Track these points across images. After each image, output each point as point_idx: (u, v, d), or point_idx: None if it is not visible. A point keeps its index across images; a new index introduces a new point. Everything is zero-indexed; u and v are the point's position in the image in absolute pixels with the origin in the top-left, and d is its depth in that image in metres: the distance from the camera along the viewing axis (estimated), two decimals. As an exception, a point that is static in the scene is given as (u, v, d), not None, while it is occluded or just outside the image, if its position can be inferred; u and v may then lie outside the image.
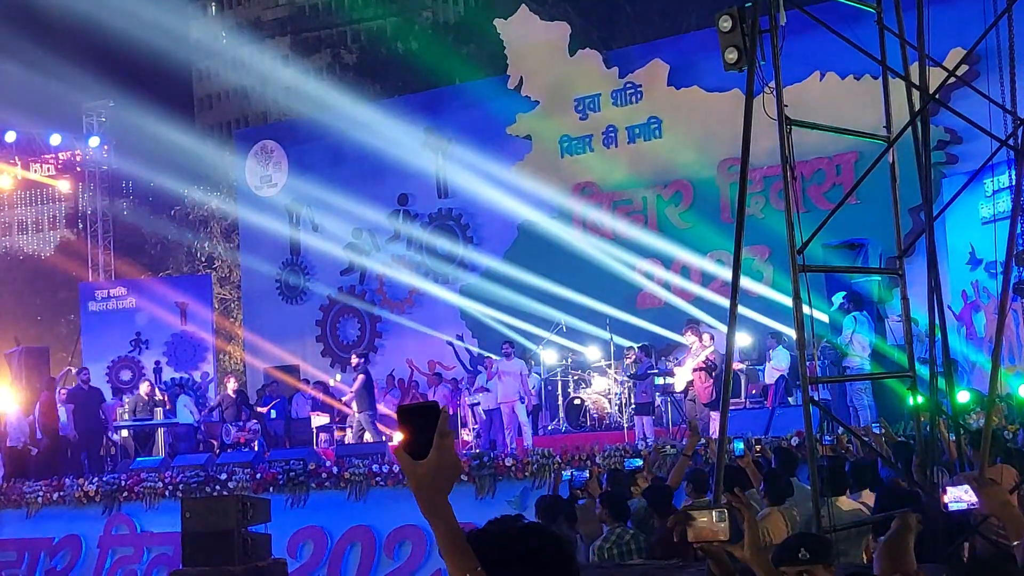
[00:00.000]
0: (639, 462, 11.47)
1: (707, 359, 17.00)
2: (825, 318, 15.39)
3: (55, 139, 29.33)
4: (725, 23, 8.97)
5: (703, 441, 14.27)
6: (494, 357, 20.32)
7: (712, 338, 17.82)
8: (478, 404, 20.23)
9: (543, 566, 3.07)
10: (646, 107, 23.01)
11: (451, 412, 21.23)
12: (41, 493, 17.76)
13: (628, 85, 23.19)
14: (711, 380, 16.75)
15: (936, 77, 10.04)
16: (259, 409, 21.77)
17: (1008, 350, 14.86)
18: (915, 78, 9.49)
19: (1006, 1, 10.14)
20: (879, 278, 16.04)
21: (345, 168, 25.57)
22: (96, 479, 17.72)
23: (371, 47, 24.57)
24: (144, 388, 20.91)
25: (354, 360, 21.33)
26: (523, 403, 19.18)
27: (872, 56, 9.36)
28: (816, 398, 10.04)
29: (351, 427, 20.36)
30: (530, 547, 3.07)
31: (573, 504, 10.06)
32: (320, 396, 22.57)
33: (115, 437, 21.18)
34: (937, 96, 9.67)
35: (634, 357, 18.72)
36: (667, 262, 22.33)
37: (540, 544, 3.09)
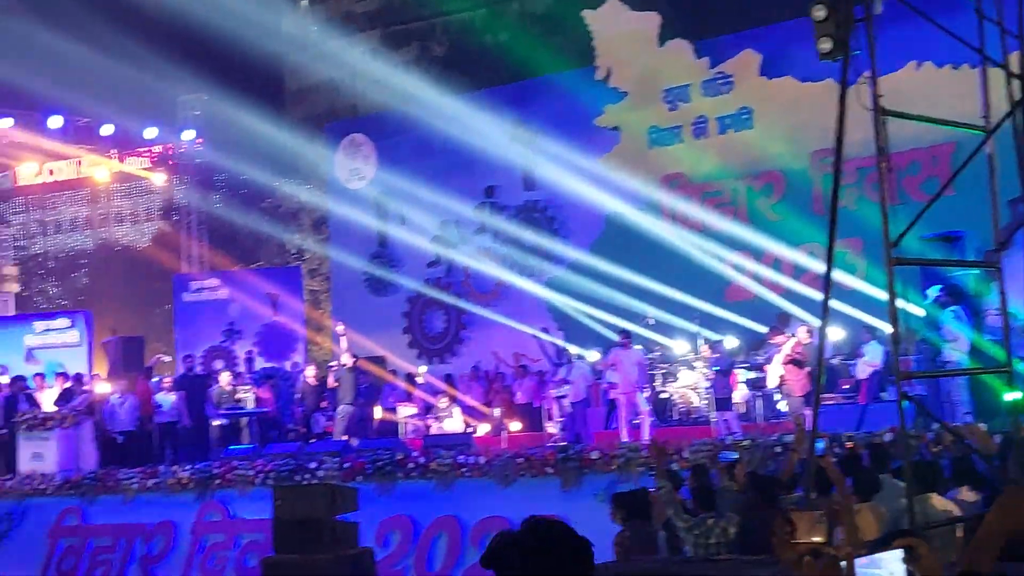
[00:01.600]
0: (735, 455, 11.33)
1: (796, 351, 16.75)
2: (921, 312, 15.09)
3: (150, 132, 29.87)
4: (819, 12, 8.83)
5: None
6: (614, 339, 20.23)
7: (809, 332, 17.55)
8: (564, 396, 20.18)
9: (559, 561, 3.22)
10: (737, 97, 22.79)
11: (535, 404, 21.25)
12: (136, 480, 18.05)
13: (719, 75, 22.97)
14: (803, 372, 16.53)
15: (1036, 66, 9.80)
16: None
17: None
18: (1015, 67, 9.28)
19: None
20: (976, 271, 15.69)
21: (432, 161, 25.66)
22: (189, 467, 17.98)
23: (459, 40, 24.60)
24: (225, 379, 21.12)
25: None
26: (643, 392, 18.75)
27: (970, 45, 9.16)
28: (910, 393, 9.87)
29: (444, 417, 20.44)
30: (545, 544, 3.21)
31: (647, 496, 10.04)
32: (407, 387, 22.68)
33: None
34: (1038, 85, 9.44)
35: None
36: (757, 255, 22.08)
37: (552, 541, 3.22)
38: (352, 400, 19.78)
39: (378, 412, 21.50)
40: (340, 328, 20.83)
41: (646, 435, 17.38)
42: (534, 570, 3.18)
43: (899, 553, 4.18)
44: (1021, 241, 9.29)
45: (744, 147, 22.62)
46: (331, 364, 21.35)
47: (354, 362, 19.95)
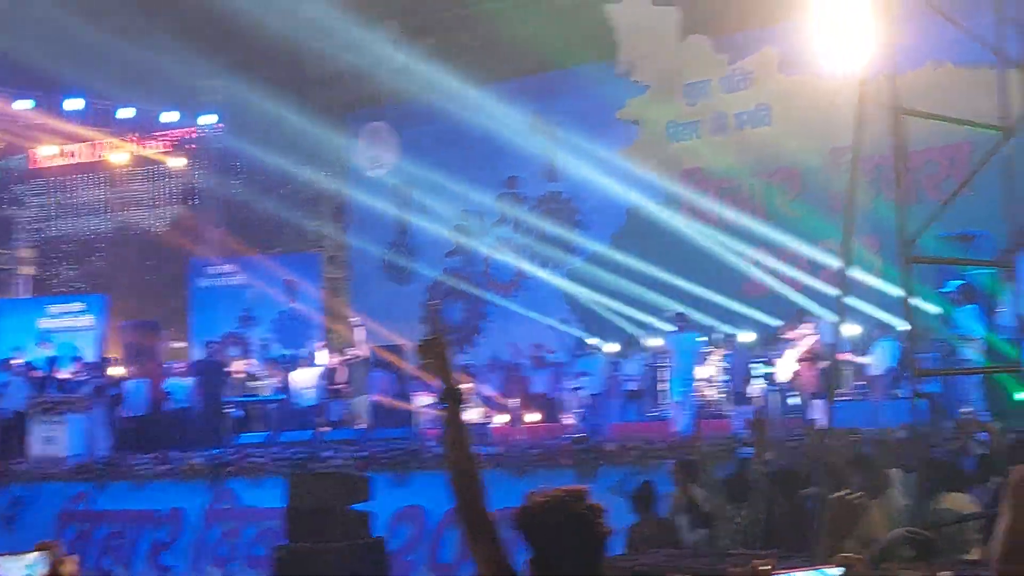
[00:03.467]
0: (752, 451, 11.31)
1: (811, 348, 16.75)
2: (936, 310, 15.10)
3: (170, 116, 29.94)
4: (838, 10, 8.87)
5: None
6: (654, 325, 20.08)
7: (815, 327, 17.59)
8: (581, 388, 20.22)
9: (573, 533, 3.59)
10: (755, 94, 22.80)
11: (552, 396, 21.29)
12: (148, 466, 18.08)
13: (737, 71, 22.99)
14: (816, 369, 16.54)
15: (1056, 67, 9.81)
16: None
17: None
18: (1034, 68, 9.29)
19: None
20: (992, 271, 15.69)
21: (454, 150, 25.70)
22: (202, 453, 18.03)
23: (482, 30, 24.61)
24: (238, 365, 21.17)
25: None
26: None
27: (989, 44, 9.18)
28: (924, 391, 9.90)
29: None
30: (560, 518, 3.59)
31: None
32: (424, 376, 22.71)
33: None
34: (1056, 86, 9.45)
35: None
36: (775, 250, 22.11)
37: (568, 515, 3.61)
38: (367, 390, 19.83)
39: (394, 401, 21.57)
40: (356, 319, 20.88)
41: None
42: (551, 547, 3.34)
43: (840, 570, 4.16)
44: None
45: (762, 143, 22.63)
46: (346, 355, 21.40)
47: (369, 351, 19.97)
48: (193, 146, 30.64)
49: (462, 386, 4.01)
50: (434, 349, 4.08)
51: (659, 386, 19.72)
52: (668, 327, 20.68)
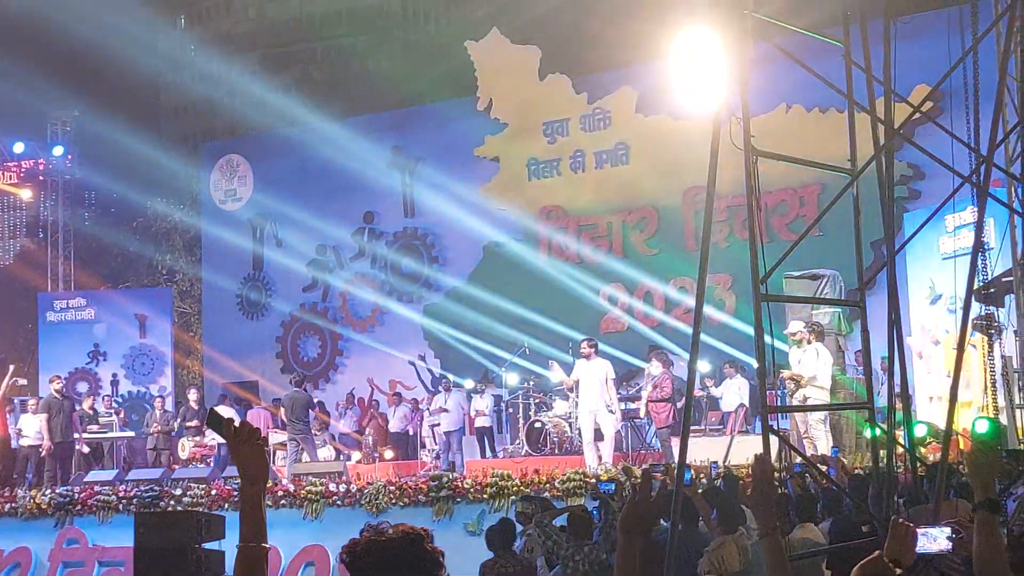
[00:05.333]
0: (613, 486, 11.33)
1: (659, 385, 16.88)
2: (787, 348, 15.43)
3: (18, 147, 29.06)
4: (694, 53, 9.02)
5: (662, 467, 14.28)
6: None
7: (672, 364, 17.83)
8: (438, 425, 20.12)
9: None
10: (614, 133, 23.12)
11: (411, 432, 21.17)
12: (-8, 504, 17.53)
13: (597, 111, 23.30)
14: (667, 405, 16.70)
15: (901, 113, 10.14)
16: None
17: (965, 385, 14.96)
18: (880, 113, 9.57)
19: (971, 40, 10.28)
20: (840, 310, 16.12)
21: (311, 184, 25.49)
22: (48, 492, 17.51)
23: (341, 64, 24.54)
24: (87, 403, 20.68)
25: None
26: (612, 413, 16.68)
27: (838, 90, 9.43)
28: (776, 427, 10.06)
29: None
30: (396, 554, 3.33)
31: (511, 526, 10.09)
32: (278, 414, 22.40)
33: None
34: (902, 131, 9.76)
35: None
36: (631, 287, 22.43)
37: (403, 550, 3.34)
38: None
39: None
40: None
41: (608, 456, 16.29)
42: None
43: None
44: (884, 281, 9.54)
45: (619, 182, 22.97)
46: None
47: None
48: (42, 177, 29.75)
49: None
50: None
51: (514, 422, 19.72)
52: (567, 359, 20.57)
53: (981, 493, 4.16)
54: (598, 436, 17.43)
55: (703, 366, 18.54)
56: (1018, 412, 12.92)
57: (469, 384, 21.46)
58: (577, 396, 17.07)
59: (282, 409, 20.29)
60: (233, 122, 25.99)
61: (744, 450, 14.51)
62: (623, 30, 20.34)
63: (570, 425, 18.62)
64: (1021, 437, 12.66)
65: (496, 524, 10.10)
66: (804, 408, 14.49)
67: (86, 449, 20.16)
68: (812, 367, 14.52)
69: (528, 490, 14.63)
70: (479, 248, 24.15)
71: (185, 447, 20.18)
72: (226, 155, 27.53)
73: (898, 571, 4.02)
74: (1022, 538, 5.97)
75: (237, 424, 3.57)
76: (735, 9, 8.79)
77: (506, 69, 23.83)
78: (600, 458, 16.25)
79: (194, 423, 20.71)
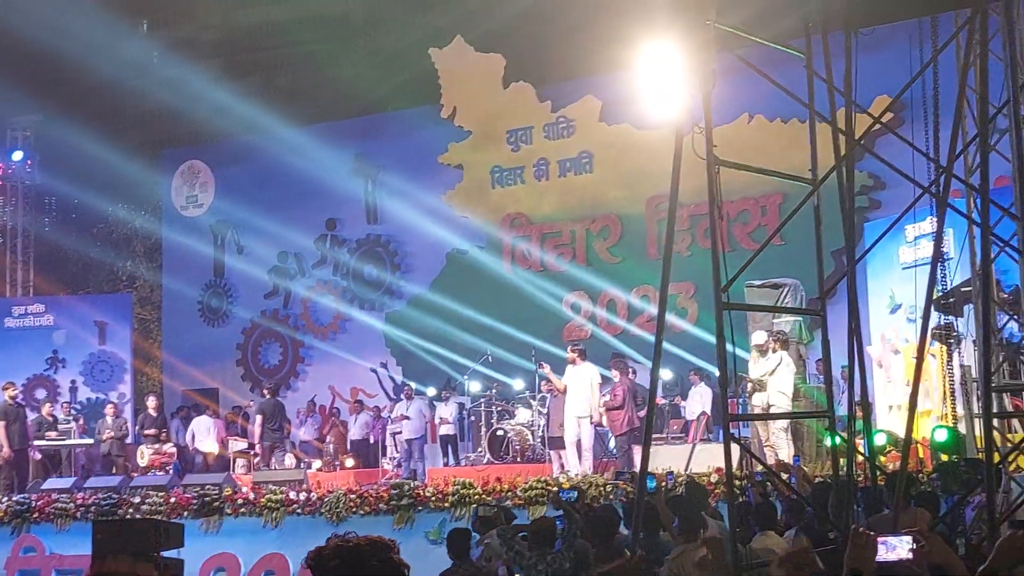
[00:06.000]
0: (575, 494, 11.33)
1: (613, 392, 16.93)
2: (748, 356, 15.49)
3: (-23, 152, 28.77)
4: (657, 64, 9.05)
5: (627, 474, 14.32)
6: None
7: (635, 372, 17.87)
8: (399, 432, 20.06)
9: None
10: (577, 142, 23.18)
11: (372, 440, 21.09)
12: (-53, 513, 17.31)
13: (560, 119, 23.35)
14: (620, 412, 16.71)
15: (862, 123, 10.21)
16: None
17: (925, 394, 15.09)
18: (841, 123, 9.65)
19: (931, 52, 10.38)
20: (801, 319, 16.21)
21: (273, 191, 25.37)
22: (4, 499, 17.32)
23: (304, 71, 24.37)
24: (45, 409, 20.50)
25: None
26: (591, 422, 16.63)
27: (800, 100, 9.49)
28: (737, 435, 10.11)
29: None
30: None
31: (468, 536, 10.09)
32: (238, 421, 22.29)
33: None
34: (862, 142, 9.83)
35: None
36: (594, 295, 22.47)
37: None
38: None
39: (210, 446, 21.05)
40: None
41: (588, 463, 16.35)
42: None
43: None
44: (844, 291, 9.60)
45: (583, 190, 23.04)
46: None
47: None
48: (1, 183, 29.47)
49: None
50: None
51: (477, 430, 19.69)
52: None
53: None
54: (554, 444, 17.45)
55: (665, 374, 18.60)
56: (976, 421, 13.04)
57: (431, 392, 21.43)
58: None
59: (259, 417, 20.23)
60: (195, 128, 25.73)
61: (706, 458, 14.57)
62: (587, 40, 20.33)
63: (532, 433, 18.62)
64: (979, 446, 12.77)
65: (451, 533, 10.09)
66: (764, 416, 14.56)
67: (38, 456, 19.96)
68: (781, 376, 14.64)
69: (489, 498, 14.64)
70: (442, 255, 24.13)
71: (144, 454, 19.97)
72: (187, 161, 27.40)
73: None
74: (980, 547, 6.03)
75: None
76: (698, 20, 8.83)
77: (470, 77, 23.83)
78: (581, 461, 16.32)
79: (152, 431, 20.56)
